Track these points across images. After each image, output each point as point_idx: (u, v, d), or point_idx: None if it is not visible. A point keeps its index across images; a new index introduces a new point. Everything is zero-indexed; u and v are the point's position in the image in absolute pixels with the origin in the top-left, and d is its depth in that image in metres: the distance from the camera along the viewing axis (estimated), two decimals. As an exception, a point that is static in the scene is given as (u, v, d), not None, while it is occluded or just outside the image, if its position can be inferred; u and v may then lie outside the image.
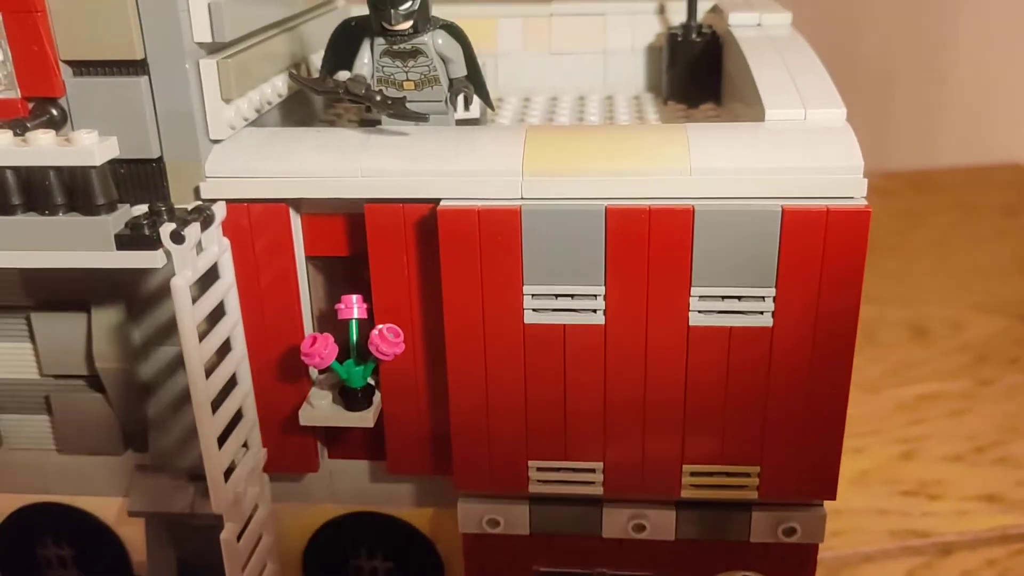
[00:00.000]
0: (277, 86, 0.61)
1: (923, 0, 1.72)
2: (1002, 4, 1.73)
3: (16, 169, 0.49)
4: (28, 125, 0.50)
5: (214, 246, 0.52)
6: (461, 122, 0.58)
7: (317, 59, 0.68)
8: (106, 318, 0.58)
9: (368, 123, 0.58)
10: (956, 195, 1.68)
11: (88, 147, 0.47)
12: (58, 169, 0.49)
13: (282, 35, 0.61)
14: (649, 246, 0.50)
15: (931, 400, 1.07)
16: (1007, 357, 1.16)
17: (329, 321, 0.58)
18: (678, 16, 0.76)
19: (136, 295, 0.57)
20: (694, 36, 0.72)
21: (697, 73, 0.72)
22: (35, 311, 0.59)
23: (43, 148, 0.47)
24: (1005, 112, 1.82)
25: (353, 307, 0.55)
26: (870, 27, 1.83)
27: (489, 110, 0.62)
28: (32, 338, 0.60)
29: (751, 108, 0.59)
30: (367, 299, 0.56)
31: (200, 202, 0.52)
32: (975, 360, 1.15)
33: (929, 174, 1.78)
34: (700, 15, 0.74)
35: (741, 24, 0.69)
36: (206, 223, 0.50)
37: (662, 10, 0.77)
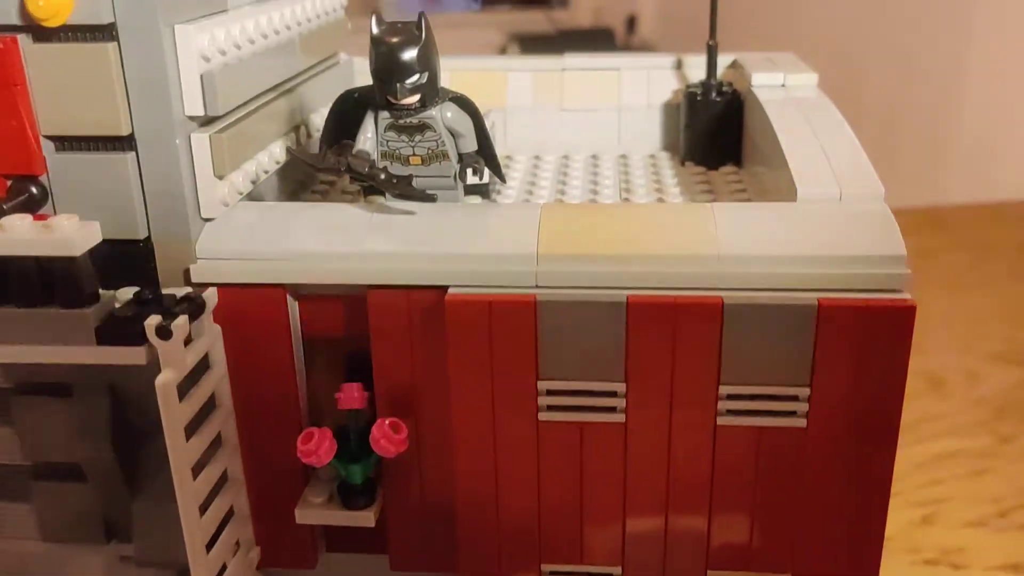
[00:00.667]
0: (274, 153, 0.57)
1: (931, 34, 1.70)
2: (1011, 39, 1.70)
3: (-10, 257, 0.45)
4: (4, 207, 0.47)
5: (204, 336, 0.48)
6: (468, 188, 0.54)
7: (318, 119, 0.64)
8: (89, 405, 0.54)
9: (371, 191, 0.55)
10: (969, 233, 1.65)
11: (68, 238, 0.43)
12: (36, 257, 0.45)
13: (279, 98, 0.58)
14: (674, 340, 0.47)
15: (950, 459, 1.03)
16: (1027, 412, 1.12)
17: (325, 406, 0.54)
18: (696, 72, 0.72)
19: (121, 382, 0.53)
20: (714, 95, 0.68)
21: (717, 134, 0.68)
22: (15, 394, 0.56)
23: (19, 239, 0.43)
24: (1016, 148, 1.79)
25: (354, 396, 0.52)
26: (877, 60, 1.80)
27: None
28: (12, 423, 0.56)
29: (775, 173, 0.56)
30: (368, 386, 0.52)
31: (190, 288, 0.49)
32: (994, 415, 1.12)
33: (939, 211, 1.74)
34: (719, 70, 0.70)
35: (765, 85, 0.65)
36: (196, 313, 0.47)
37: (679, 65, 0.73)
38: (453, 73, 0.70)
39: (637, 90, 0.73)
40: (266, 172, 0.56)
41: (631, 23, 3.31)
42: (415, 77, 0.47)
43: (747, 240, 0.47)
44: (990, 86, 1.74)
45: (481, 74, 0.74)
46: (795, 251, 0.47)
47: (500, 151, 0.72)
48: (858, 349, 0.46)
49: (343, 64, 0.70)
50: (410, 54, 0.47)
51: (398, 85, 0.47)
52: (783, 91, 0.65)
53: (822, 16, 1.83)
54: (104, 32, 0.46)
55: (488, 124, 0.54)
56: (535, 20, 3.82)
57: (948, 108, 1.76)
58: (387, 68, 0.47)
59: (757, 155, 0.64)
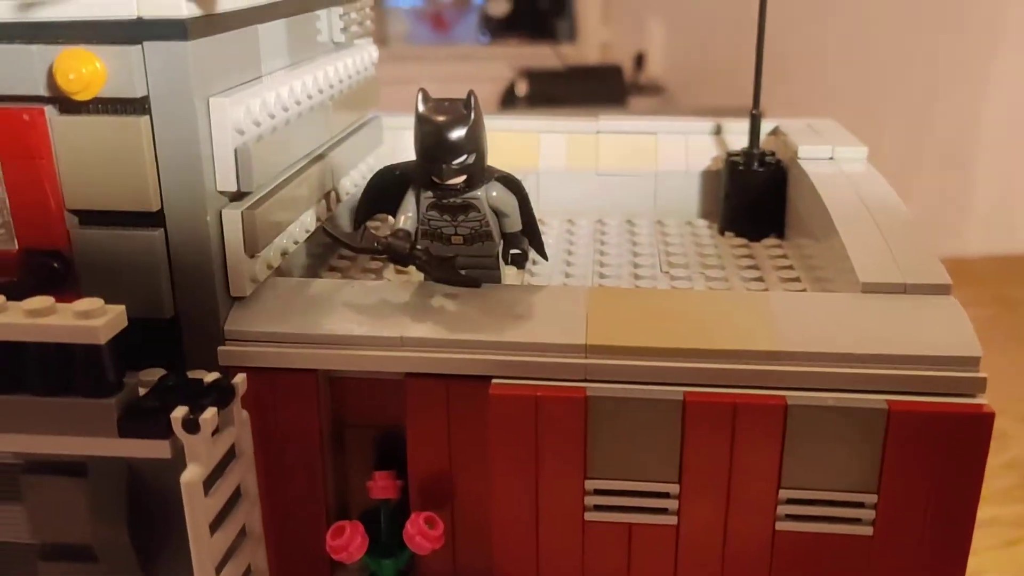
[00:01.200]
0: (305, 223, 0.54)
1: (946, 85, 1.68)
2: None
3: (5, 344, 0.42)
4: (27, 286, 0.44)
5: (232, 425, 0.45)
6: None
7: (347, 183, 0.62)
8: (105, 486, 0.51)
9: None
10: (992, 287, 1.62)
11: (93, 325, 0.41)
12: (58, 344, 0.42)
13: (312, 166, 0.55)
14: (733, 440, 0.44)
15: (982, 528, 1.00)
16: (1059, 479, 1.09)
17: (352, 490, 0.52)
18: (735, 139, 0.70)
19: (141, 464, 0.50)
20: (756, 165, 0.66)
21: (759, 205, 0.66)
22: (26, 472, 0.53)
23: (41, 324, 0.41)
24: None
25: (387, 485, 0.49)
26: (893, 111, 1.79)
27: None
28: (21, 501, 0.53)
29: (827, 252, 0.54)
30: (398, 471, 0.50)
31: (217, 373, 0.46)
32: (1024, 480, 1.09)
33: (961, 262, 1.72)
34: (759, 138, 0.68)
35: (812, 157, 0.63)
36: (224, 402, 0.44)
37: (718, 130, 0.71)
38: (484, 134, 0.68)
39: (674, 155, 0.71)
40: (296, 243, 0.53)
41: (639, 60, 3.31)
42: (463, 158, 0.45)
43: (810, 335, 0.45)
44: (1007, 138, 1.72)
45: (513, 135, 0.71)
46: (861, 348, 0.44)
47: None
48: (930, 455, 0.43)
49: (373, 123, 0.68)
50: (458, 134, 0.45)
51: (444, 166, 0.45)
52: (831, 164, 0.62)
53: (837, 68, 1.82)
54: (136, 105, 0.44)
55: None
56: (543, 55, 3.82)
57: (965, 159, 1.74)
58: (434, 148, 0.45)
59: (804, 230, 0.61)
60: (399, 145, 0.70)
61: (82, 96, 0.42)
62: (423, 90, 0.46)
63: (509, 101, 3.18)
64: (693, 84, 2.91)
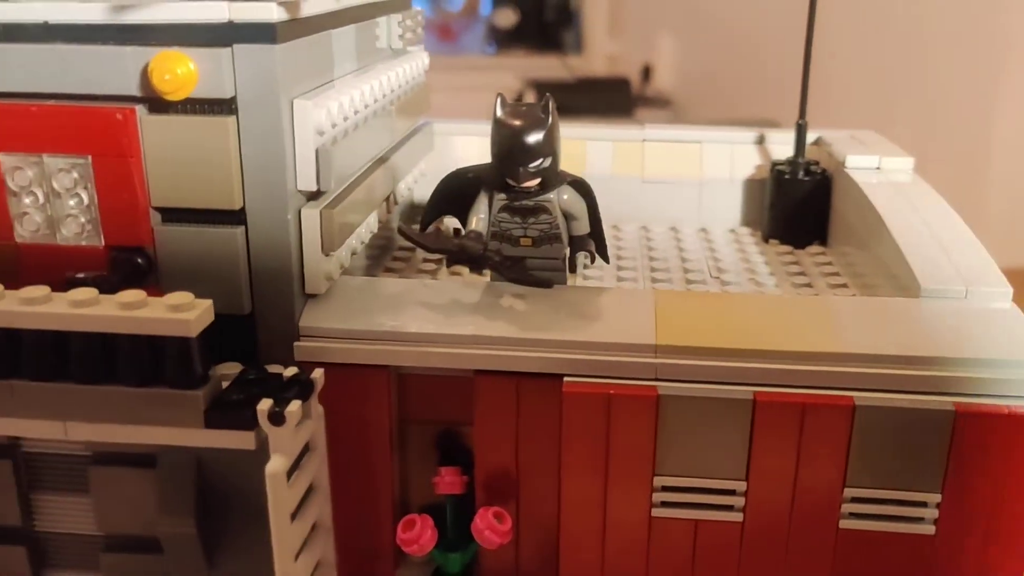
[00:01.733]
0: (370, 224, 0.56)
1: (960, 97, 1.70)
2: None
3: (98, 335, 0.43)
4: (114, 281, 0.45)
5: (309, 418, 0.46)
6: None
7: (402, 187, 0.63)
8: (175, 478, 0.52)
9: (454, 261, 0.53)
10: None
11: (186, 318, 0.42)
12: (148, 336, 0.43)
13: (377, 168, 0.57)
14: (800, 440, 0.45)
15: None
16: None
17: (413, 487, 0.53)
18: (778, 148, 0.71)
19: (208, 454, 0.51)
20: (802, 174, 0.67)
21: (804, 213, 0.67)
22: (95, 464, 0.54)
23: (136, 316, 0.42)
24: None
25: (453, 481, 0.50)
26: (904, 119, 1.80)
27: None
28: (88, 492, 0.54)
29: (878, 259, 0.55)
30: (467, 469, 0.51)
31: (295, 368, 0.47)
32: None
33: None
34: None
35: (860, 167, 0.64)
36: (306, 396, 0.45)
37: (761, 140, 0.72)
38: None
39: (719, 164, 0.72)
40: (363, 243, 0.55)
41: (646, 73, 3.33)
42: (539, 161, 0.46)
43: (875, 338, 0.46)
44: (1019, 151, 1.74)
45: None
46: (925, 351, 0.45)
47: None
48: (994, 456, 0.44)
49: (425, 129, 0.69)
50: (536, 138, 0.46)
51: (521, 169, 0.46)
52: (878, 174, 0.64)
53: (846, 79, 1.83)
54: (224, 106, 0.45)
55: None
56: (550, 65, 3.85)
57: (977, 173, 1.76)
58: (511, 151, 0.46)
59: (851, 237, 0.63)
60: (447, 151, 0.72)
61: (175, 96, 0.43)
62: (501, 95, 0.47)
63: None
64: (700, 96, 2.93)
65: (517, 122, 0.46)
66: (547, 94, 0.47)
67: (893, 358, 0.45)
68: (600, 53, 3.83)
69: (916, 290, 0.49)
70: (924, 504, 0.45)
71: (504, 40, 3.88)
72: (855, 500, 0.46)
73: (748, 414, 0.45)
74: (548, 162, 0.47)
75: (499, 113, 0.47)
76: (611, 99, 3.24)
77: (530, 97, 3.13)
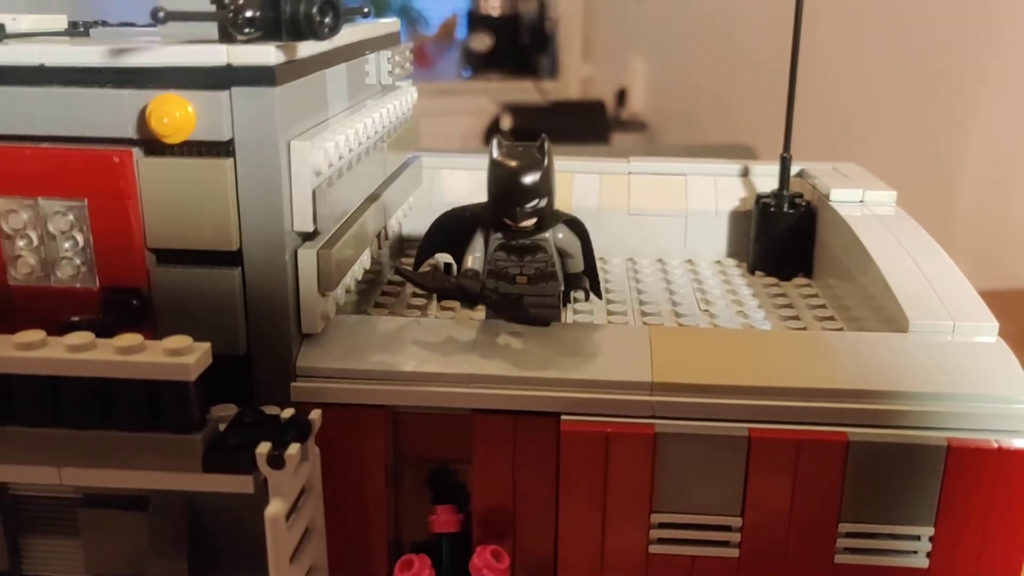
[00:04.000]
0: (364, 262, 0.56)
1: (932, 118, 1.73)
2: (1013, 126, 1.73)
3: (94, 380, 0.43)
4: (108, 323, 0.45)
5: (307, 460, 0.46)
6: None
7: (393, 222, 0.64)
8: (167, 520, 0.51)
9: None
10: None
11: (185, 363, 0.42)
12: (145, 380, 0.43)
13: (370, 206, 0.57)
14: (795, 475, 0.46)
15: None
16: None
17: (405, 523, 0.53)
18: (762, 180, 0.73)
19: (205, 496, 0.51)
20: (786, 207, 0.68)
21: (789, 245, 0.68)
22: (84, 507, 0.53)
23: (134, 361, 0.42)
24: (1015, 235, 1.82)
25: (449, 519, 0.50)
26: (876, 145, 1.83)
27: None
28: (77, 534, 0.54)
29: (864, 291, 0.56)
30: (460, 506, 0.51)
31: (293, 410, 0.47)
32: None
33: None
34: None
35: (844, 200, 0.65)
36: (303, 437, 0.45)
37: (746, 172, 0.73)
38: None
39: (704, 196, 0.73)
40: (357, 281, 0.55)
41: (621, 96, 3.35)
42: (535, 201, 0.47)
43: (867, 374, 0.47)
44: (989, 175, 1.77)
45: (547, 175, 0.73)
46: (916, 387, 0.46)
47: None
48: (984, 490, 0.45)
49: (414, 163, 0.69)
50: (532, 178, 0.46)
51: (518, 209, 0.46)
52: (862, 207, 0.65)
53: (822, 106, 1.86)
54: (222, 148, 0.45)
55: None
56: (524, 89, 3.86)
57: (948, 198, 1.79)
58: (508, 192, 0.47)
59: (837, 270, 0.64)
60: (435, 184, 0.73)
61: (173, 140, 0.44)
62: (498, 136, 0.48)
63: (494, 135, 3.22)
64: (674, 120, 2.96)
65: (514, 163, 0.47)
66: (543, 136, 0.47)
67: (885, 393, 0.46)
68: (575, 77, 3.87)
69: (904, 325, 0.50)
70: (917, 537, 0.46)
71: (480, 64, 3.91)
72: (849, 535, 0.46)
73: (743, 450, 0.45)
74: (544, 202, 0.47)
75: (496, 154, 0.47)
76: (586, 123, 3.26)
77: (507, 120, 3.15)
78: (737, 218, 0.73)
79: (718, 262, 0.73)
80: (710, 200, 0.73)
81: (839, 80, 1.82)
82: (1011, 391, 0.45)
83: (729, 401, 0.46)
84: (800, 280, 0.68)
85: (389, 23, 0.69)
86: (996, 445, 0.44)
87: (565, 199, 0.73)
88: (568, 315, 0.60)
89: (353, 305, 0.60)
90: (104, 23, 0.66)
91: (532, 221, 0.48)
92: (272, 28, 0.44)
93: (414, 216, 0.70)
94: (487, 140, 2.89)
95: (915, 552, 0.46)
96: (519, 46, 3.92)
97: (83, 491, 0.53)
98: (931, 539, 0.46)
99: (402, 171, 0.66)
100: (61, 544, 0.55)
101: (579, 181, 0.74)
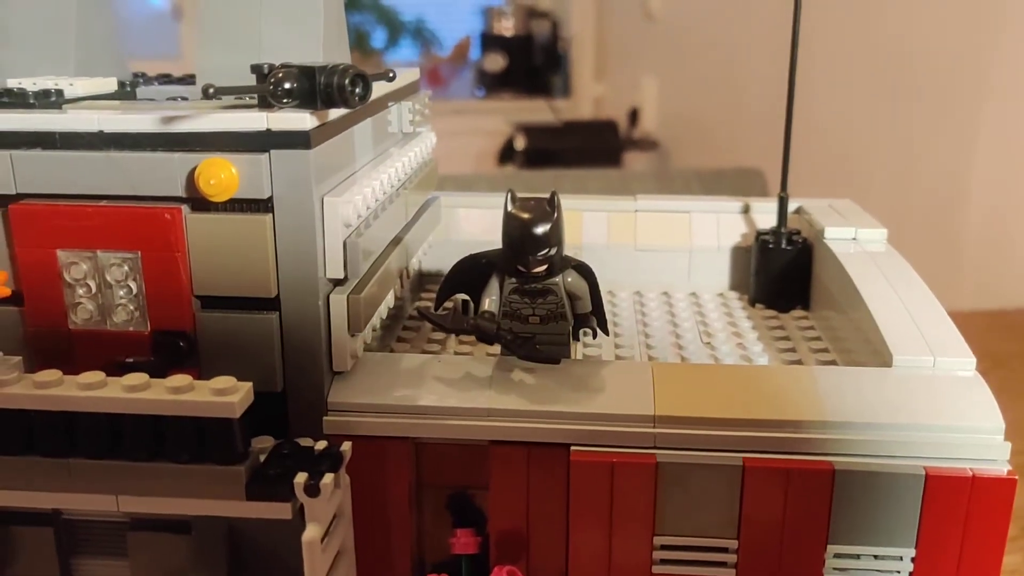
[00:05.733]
0: (389, 302, 0.60)
1: (938, 138, 1.76)
2: (1020, 145, 1.77)
3: (149, 417, 0.47)
4: (158, 363, 0.49)
5: (339, 487, 0.51)
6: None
7: (414, 262, 0.68)
8: (208, 542, 0.56)
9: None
10: (979, 343, 1.69)
11: (231, 401, 0.46)
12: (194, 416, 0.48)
13: (395, 249, 0.61)
14: (786, 501, 0.50)
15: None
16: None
17: (427, 550, 0.57)
18: (761, 217, 0.77)
19: (243, 521, 0.55)
20: (784, 244, 0.72)
21: (787, 279, 0.72)
22: (133, 530, 0.57)
23: (186, 400, 0.46)
24: (1018, 258, 1.85)
25: (468, 542, 0.54)
26: (879, 165, 1.87)
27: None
28: (126, 556, 0.58)
29: (854, 324, 0.60)
30: (479, 529, 0.55)
31: (326, 442, 0.51)
32: (1021, 532, 1.14)
33: (951, 316, 1.79)
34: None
35: (837, 238, 0.70)
36: (336, 467, 0.49)
37: (747, 209, 0.78)
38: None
39: (707, 232, 0.77)
40: (383, 319, 0.59)
41: (633, 116, 3.39)
42: (546, 250, 0.51)
43: (854, 407, 0.51)
44: (995, 193, 1.80)
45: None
46: (897, 419, 0.50)
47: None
48: (961, 516, 0.49)
49: (434, 204, 0.74)
50: (543, 229, 0.51)
51: (531, 257, 0.51)
52: (855, 244, 0.69)
53: (828, 127, 1.90)
54: (262, 204, 0.50)
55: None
56: (537, 108, 3.91)
57: (954, 214, 1.82)
58: (521, 242, 0.51)
59: (830, 302, 0.68)
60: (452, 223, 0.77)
61: (219, 199, 0.48)
62: (511, 191, 0.52)
63: (508, 154, 3.27)
64: (686, 139, 3.00)
65: (527, 215, 0.51)
66: (553, 191, 0.52)
67: (867, 425, 0.50)
68: (588, 96, 3.92)
69: (889, 359, 0.54)
70: (900, 558, 0.50)
71: (493, 84, 3.97)
72: (837, 556, 0.50)
73: (738, 478, 0.49)
74: (554, 251, 0.52)
75: (510, 207, 0.52)
76: (599, 141, 3.31)
77: (521, 140, 3.20)
78: (739, 253, 0.77)
79: (721, 295, 0.77)
80: (712, 236, 0.77)
81: (842, 110, 1.86)
82: (985, 423, 0.49)
83: (724, 433, 0.50)
84: (798, 312, 0.72)
85: (410, 73, 0.74)
86: (971, 473, 0.48)
87: (575, 236, 0.78)
88: (578, 350, 0.64)
89: (377, 340, 0.64)
90: (143, 76, 0.71)
91: (543, 267, 0.52)
92: (308, 97, 0.49)
93: (433, 253, 0.74)
94: (501, 161, 2.93)
95: (898, 572, 0.50)
96: (532, 66, 3.97)
97: (131, 515, 0.58)
98: (912, 560, 0.50)
99: (423, 212, 0.71)
100: (110, 564, 0.59)
101: (588, 219, 0.78)
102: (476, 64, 4.06)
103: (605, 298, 0.75)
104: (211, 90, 0.45)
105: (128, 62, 0.70)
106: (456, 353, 0.64)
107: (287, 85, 0.48)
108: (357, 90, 0.49)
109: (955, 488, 0.48)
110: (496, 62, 4.01)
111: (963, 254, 1.85)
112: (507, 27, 4.00)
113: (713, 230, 0.77)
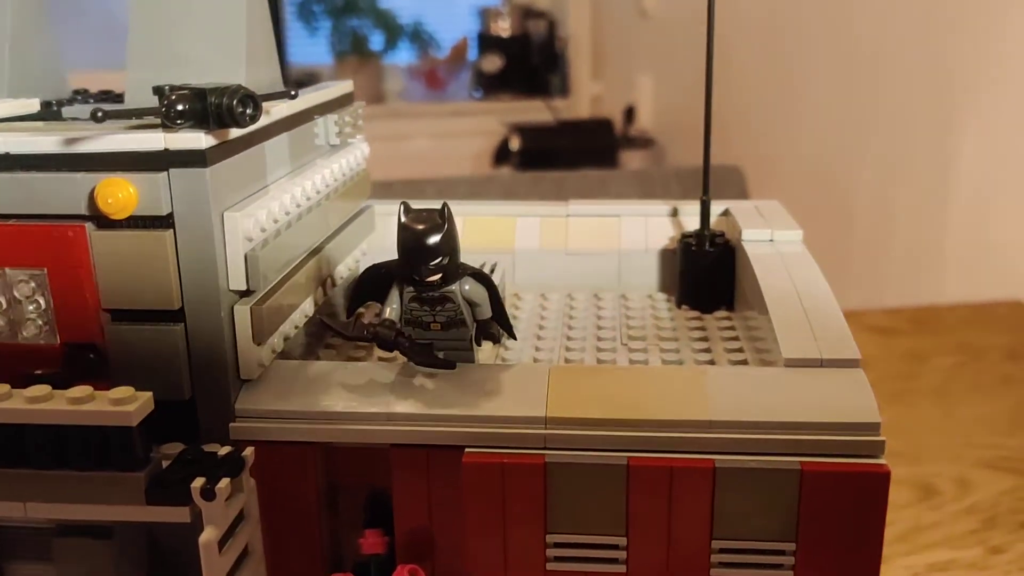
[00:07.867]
0: (305, 309, 0.62)
1: (922, 134, 1.77)
2: (1001, 141, 1.77)
3: (52, 426, 0.50)
4: (68, 375, 0.52)
5: (242, 491, 0.53)
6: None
7: (343, 269, 0.70)
8: (129, 546, 0.58)
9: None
10: (959, 335, 1.69)
11: (127, 410, 0.48)
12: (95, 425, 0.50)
13: (311, 259, 0.63)
14: (670, 498, 0.51)
15: (943, 571, 1.06)
16: (1017, 521, 1.15)
17: (344, 544, 0.59)
18: (689, 220, 0.78)
19: (162, 526, 0.57)
20: (707, 246, 0.74)
21: (710, 281, 0.74)
22: (57, 536, 0.60)
23: (83, 409, 0.48)
24: (1005, 248, 1.85)
25: (376, 542, 0.56)
26: (868, 159, 1.88)
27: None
28: (52, 561, 0.60)
29: (763, 325, 0.61)
30: (386, 528, 0.57)
31: (230, 448, 0.53)
32: (984, 524, 1.15)
33: (933, 310, 1.79)
34: (712, 218, 0.76)
35: (754, 240, 0.71)
36: (236, 472, 0.51)
37: (675, 212, 0.79)
38: (466, 219, 0.76)
39: (636, 235, 0.79)
40: (296, 327, 0.61)
41: (629, 114, 3.40)
42: (438, 260, 0.53)
43: (735, 406, 0.52)
44: (980, 188, 1.81)
45: (491, 219, 0.80)
46: (780, 417, 0.52)
47: (508, 291, 0.77)
48: (838, 509, 0.50)
49: (366, 212, 0.76)
50: (434, 239, 0.53)
51: (423, 267, 0.53)
52: (771, 246, 0.71)
53: (813, 123, 1.91)
54: (162, 221, 0.52)
55: (498, 274, 0.60)
56: (535, 108, 3.92)
57: (939, 208, 1.83)
58: (414, 251, 0.53)
59: (747, 304, 0.69)
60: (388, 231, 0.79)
61: (118, 216, 0.50)
62: (404, 203, 0.54)
63: (503, 155, 3.28)
64: (682, 136, 3.01)
65: (418, 227, 0.53)
66: (444, 203, 0.54)
67: (749, 424, 0.51)
68: (586, 95, 3.93)
69: (779, 359, 0.55)
70: (782, 552, 0.51)
71: (490, 85, 3.99)
72: (723, 551, 0.52)
73: (624, 477, 0.51)
74: (447, 260, 0.53)
75: (403, 219, 0.54)
76: (594, 140, 3.32)
77: (516, 141, 3.21)
78: (666, 255, 0.78)
79: (650, 296, 0.78)
80: (641, 239, 0.79)
81: (828, 109, 1.87)
82: (861, 420, 0.51)
83: (611, 433, 0.52)
84: (721, 313, 0.74)
85: (343, 85, 0.76)
86: (845, 468, 0.50)
87: (508, 241, 0.80)
88: (498, 352, 0.66)
89: (303, 347, 0.66)
90: (83, 93, 0.73)
91: (437, 276, 0.54)
92: (202, 118, 0.51)
93: (368, 261, 0.76)
94: (496, 162, 2.94)
95: (782, 565, 0.52)
96: (529, 66, 3.99)
97: (56, 521, 0.60)
98: (794, 553, 0.51)
99: (352, 221, 0.73)
100: (38, 569, 0.62)
101: (521, 224, 0.80)
102: (473, 65, 4.08)
103: (536, 302, 0.77)
104: (99, 114, 0.47)
105: (69, 79, 0.72)
106: (380, 359, 0.66)
107: (179, 107, 0.50)
108: (248, 111, 0.51)
109: (830, 483, 0.50)
110: (493, 63, 4.03)
111: (945, 248, 1.85)
112: (504, 28, 4.01)
113: (642, 232, 0.79)
